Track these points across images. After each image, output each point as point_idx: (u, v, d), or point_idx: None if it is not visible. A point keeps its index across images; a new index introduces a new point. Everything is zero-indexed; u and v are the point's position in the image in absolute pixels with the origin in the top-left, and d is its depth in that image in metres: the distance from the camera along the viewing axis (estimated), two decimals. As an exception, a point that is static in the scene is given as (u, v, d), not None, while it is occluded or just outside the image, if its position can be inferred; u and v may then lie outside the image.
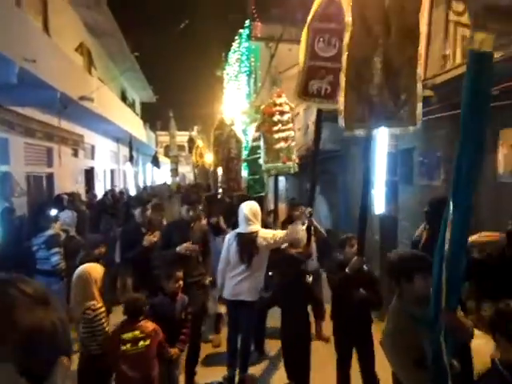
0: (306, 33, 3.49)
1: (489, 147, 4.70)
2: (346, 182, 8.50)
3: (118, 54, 16.38)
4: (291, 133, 5.40)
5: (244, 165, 7.99)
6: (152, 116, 29.31)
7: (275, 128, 5.30)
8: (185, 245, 4.22)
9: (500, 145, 4.45)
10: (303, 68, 3.56)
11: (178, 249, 4.18)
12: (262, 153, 5.63)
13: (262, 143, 5.63)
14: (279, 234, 4.09)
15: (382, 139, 5.71)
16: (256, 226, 4.11)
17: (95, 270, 3.49)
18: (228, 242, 4.18)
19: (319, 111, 3.82)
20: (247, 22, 13.66)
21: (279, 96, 5.43)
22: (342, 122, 2.74)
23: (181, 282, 3.66)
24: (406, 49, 2.56)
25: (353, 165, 7.81)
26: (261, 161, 5.69)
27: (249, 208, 4.16)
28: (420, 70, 2.62)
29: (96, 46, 14.92)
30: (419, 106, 2.65)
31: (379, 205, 5.70)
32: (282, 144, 5.26)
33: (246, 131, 14.54)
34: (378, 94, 2.64)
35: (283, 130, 5.34)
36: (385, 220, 5.45)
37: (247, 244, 4.04)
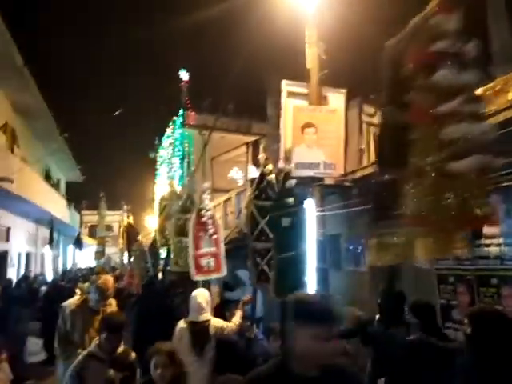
0: None
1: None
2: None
3: (45, 134, 16.01)
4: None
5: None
6: (78, 195, 28.11)
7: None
8: None
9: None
10: None
11: None
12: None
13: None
14: (231, 326, 4.04)
15: (311, 225, 6.00)
16: (208, 315, 4.03)
17: None
18: (179, 333, 3.95)
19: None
20: (181, 111, 14.35)
21: None
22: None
23: None
24: None
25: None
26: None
27: (202, 295, 4.09)
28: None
29: (22, 125, 14.49)
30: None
31: (312, 291, 5.79)
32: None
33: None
34: None
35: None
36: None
37: (201, 333, 3.93)
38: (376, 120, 8.27)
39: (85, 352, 2.91)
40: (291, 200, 3.82)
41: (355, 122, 7.61)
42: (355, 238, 5.62)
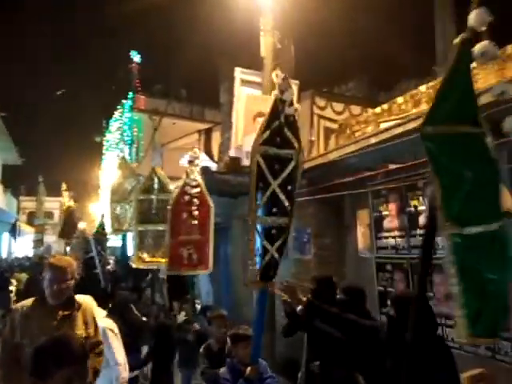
0: None
1: (350, 227, 5.35)
2: (228, 254, 8.61)
3: (-21, 111, 14.77)
4: None
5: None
6: (16, 180, 26.32)
7: None
8: None
9: (358, 224, 5.11)
10: None
11: None
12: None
13: None
14: None
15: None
16: None
17: None
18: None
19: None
20: (130, 94, 13.83)
21: None
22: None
23: None
24: None
25: (235, 237, 8.01)
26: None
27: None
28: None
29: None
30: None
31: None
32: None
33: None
34: None
35: None
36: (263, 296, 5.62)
37: None
38: (327, 113, 8.48)
39: None
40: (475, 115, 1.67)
41: (307, 114, 7.74)
42: (301, 228, 5.75)
